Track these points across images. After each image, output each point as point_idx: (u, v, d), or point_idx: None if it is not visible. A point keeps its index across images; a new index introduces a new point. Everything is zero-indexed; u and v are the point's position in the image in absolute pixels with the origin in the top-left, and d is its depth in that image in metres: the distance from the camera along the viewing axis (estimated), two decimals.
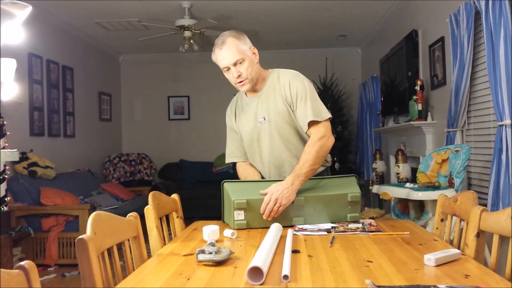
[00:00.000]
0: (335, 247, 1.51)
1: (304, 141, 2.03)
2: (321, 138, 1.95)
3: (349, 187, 1.94)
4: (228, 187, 1.90)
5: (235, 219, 1.82)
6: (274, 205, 1.80)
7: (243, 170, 2.19)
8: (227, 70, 2.01)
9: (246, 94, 2.13)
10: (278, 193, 1.80)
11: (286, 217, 1.85)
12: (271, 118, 2.03)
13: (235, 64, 1.98)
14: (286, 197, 1.81)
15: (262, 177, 2.14)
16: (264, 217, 1.81)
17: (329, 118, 2.02)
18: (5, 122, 3.08)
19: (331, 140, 1.99)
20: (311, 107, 1.98)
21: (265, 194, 1.83)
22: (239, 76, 1.98)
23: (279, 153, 2.05)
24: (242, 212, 1.82)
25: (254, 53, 2.04)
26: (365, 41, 6.76)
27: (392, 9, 5.16)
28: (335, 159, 6.14)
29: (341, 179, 2.00)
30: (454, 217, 1.77)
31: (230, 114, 2.21)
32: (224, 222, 1.94)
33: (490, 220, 1.44)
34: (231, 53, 1.96)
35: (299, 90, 2.00)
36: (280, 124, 2.03)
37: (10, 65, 2.89)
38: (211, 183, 6.75)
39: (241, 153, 2.19)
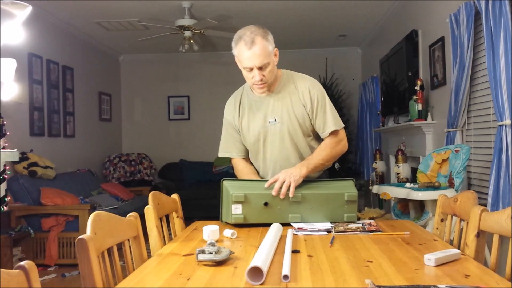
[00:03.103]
0: (335, 247, 1.51)
1: (311, 147, 2.08)
2: (340, 142, 2.07)
3: (346, 188, 1.96)
4: (228, 184, 1.91)
5: (233, 213, 1.84)
6: (283, 183, 1.86)
7: (239, 164, 2.18)
8: (249, 70, 1.93)
9: (253, 91, 2.09)
10: (286, 173, 1.89)
11: (282, 213, 1.87)
12: (285, 120, 2.03)
13: (260, 67, 1.91)
14: (294, 176, 1.88)
15: (260, 176, 2.14)
16: (273, 192, 1.85)
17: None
18: (5, 122, 3.08)
19: (346, 147, 2.11)
20: (332, 116, 2.04)
21: (271, 189, 1.87)
22: (261, 79, 1.93)
23: (288, 155, 2.05)
24: (240, 206, 1.84)
25: (275, 54, 1.99)
26: (365, 41, 6.76)
27: (392, 9, 5.16)
28: None
29: (338, 181, 2.02)
30: (454, 217, 1.77)
31: (232, 110, 2.13)
32: (222, 221, 1.94)
33: (490, 220, 1.44)
34: (260, 56, 1.88)
35: (319, 98, 2.03)
36: (295, 127, 2.03)
37: (10, 65, 2.89)
38: (211, 183, 6.76)
39: (238, 149, 2.16)
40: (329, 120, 2.03)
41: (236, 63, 2.00)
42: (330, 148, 2.04)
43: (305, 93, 2.02)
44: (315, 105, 2.02)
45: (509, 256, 1.34)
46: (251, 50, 1.87)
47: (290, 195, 1.86)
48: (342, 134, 2.09)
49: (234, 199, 1.83)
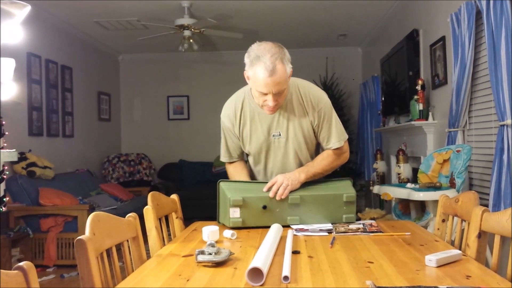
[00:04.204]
0: (336, 248, 1.50)
1: (312, 159, 2.07)
2: (342, 154, 2.07)
3: (344, 188, 1.95)
4: (224, 186, 1.90)
5: (231, 216, 1.83)
6: (280, 185, 1.86)
7: (229, 167, 2.17)
8: (264, 94, 1.83)
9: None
10: (285, 176, 1.89)
11: (281, 216, 1.86)
12: (290, 135, 1.99)
13: (276, 93, 1.83)
14: (292, 180, 1.88)
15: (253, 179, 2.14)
16: (271, 194, 1.85)
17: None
18: (3, 122, 3.07)
19: (347, 159, 2.12)
20: (336, 131, 2.02)
21: (268, 191, 1.87)
22: (275, 104, 1.87)
23: (291, 170, 2.02)
24: (238, 209, 1.83)
25: (289, 76, 1.88)
26: (365, 40, 6.76)
27: (393, 8, 5.16)
28: None
29: (336, 182, 2.01)
30: (455, 218, 1.76)
31: (232, 118, 2.03)
32: (219, 222, 1.93)
33: (492, 220, 1.43)
34: (279, 84, 1.79)
35: (326, 113, 2.00)
36: (300, 144, 2.01)
37: (9, 64, 2.88)
38: (210, 183, 6.72)
39: (236, 154, 2.13)
40: (334, 136, 2.01)
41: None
42: (332, 159, 2.03)
43: (313, 108, 1.98)
44: (321, 119, 1.99)
45: (510, 257, 1.33)
46: (271, 77, 1.76)
47: (283, 197, 1.85)
48: (346, 146, 2.07)
49: (232, 203, 1.82)
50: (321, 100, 2.00)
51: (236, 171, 2.14)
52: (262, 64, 1.76)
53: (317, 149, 2.12)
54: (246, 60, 1.84)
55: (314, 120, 1.99)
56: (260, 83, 1.79)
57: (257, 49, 1.81)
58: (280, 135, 2.00)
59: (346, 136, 2.07)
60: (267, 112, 1.94)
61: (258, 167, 2.12)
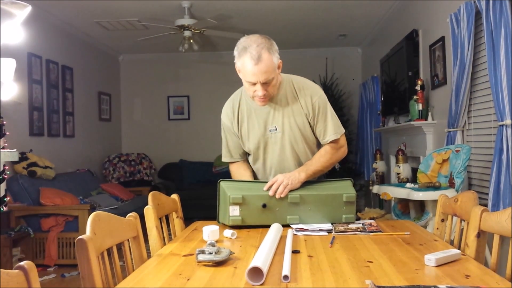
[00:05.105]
0: (335, 247, 1.51)
1: (312, 154, 2.07)
2: (340, 148, 2.07)
3: (344, 188, 1.95)
4: (225, 185, 1.91)
5: (230, 214, 1.83)
6: (280, 184, 1.86)
7: (236, 169, 2.17)
8: (253, 84, 1.87)
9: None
10: (285, 176, 1.90)
11: (281, 215, 1.86)
12: (286, 130, 2.01)
13: (264, 83, 1.85)
14: (292, 180, 1.89)
15: (256, 179, 2.14)
16: (271, 193, 1.86)
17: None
18: (4, 122, 3.07)
19: (345, 153, 2.12)
20: (333, 124, 2.02)
21: (268, 191, 1.87)
22: (264, 95, 1.89)
23: (288, 165, 2.04)
24: (237, 207, 1.83)
25: (279, 67, 1.92)
26: (365, 41, 6.76)
27: (393, 8, 5.16)
28: None
29: (337, 182, 2.01)
30: (454, 217, 1.77)
31: (230, 116, 2.08)
32: (219, 222, 1.94)
33: (491, 220, 1.44)
34: (265, 72, 1.82)
35: (321, 106, 2.00)
36: (296, 137, 2.02)
37: (9, 65, 2.88)
38: (211, 183, 6.72)
39: (237, 153, 2.14)
40: (330, 129, 2.02)
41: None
42: (330, 154, 2.04)
43: (307, 102, 1.99)
44: (316, 113, 2.00)
45: (509, 256, 1.33)
46: (257, 66, 1.80)
47: (282, 195, 1.85)
48: (343, 140, 2.08)
49: (232, 201, 1.82)
50: (315, 94, 2.01)
51: (239, 171, 2.14)
52: (248, 54, 1.82)
53: (318, 148, 2.12)
54: (235, 52, 1.89)
55: (309, 113, 2.00)
56: (247, 73, 1.84)
57: (244, 41, 1.87)
58: (276, 129, 2.01)
59: (343, 130, 2.07)
60: (258, 103, 1.96)
61: (257, 164, 2.12)
